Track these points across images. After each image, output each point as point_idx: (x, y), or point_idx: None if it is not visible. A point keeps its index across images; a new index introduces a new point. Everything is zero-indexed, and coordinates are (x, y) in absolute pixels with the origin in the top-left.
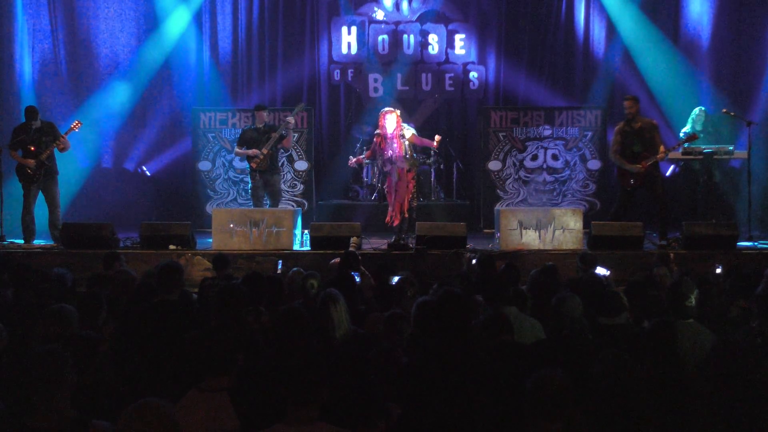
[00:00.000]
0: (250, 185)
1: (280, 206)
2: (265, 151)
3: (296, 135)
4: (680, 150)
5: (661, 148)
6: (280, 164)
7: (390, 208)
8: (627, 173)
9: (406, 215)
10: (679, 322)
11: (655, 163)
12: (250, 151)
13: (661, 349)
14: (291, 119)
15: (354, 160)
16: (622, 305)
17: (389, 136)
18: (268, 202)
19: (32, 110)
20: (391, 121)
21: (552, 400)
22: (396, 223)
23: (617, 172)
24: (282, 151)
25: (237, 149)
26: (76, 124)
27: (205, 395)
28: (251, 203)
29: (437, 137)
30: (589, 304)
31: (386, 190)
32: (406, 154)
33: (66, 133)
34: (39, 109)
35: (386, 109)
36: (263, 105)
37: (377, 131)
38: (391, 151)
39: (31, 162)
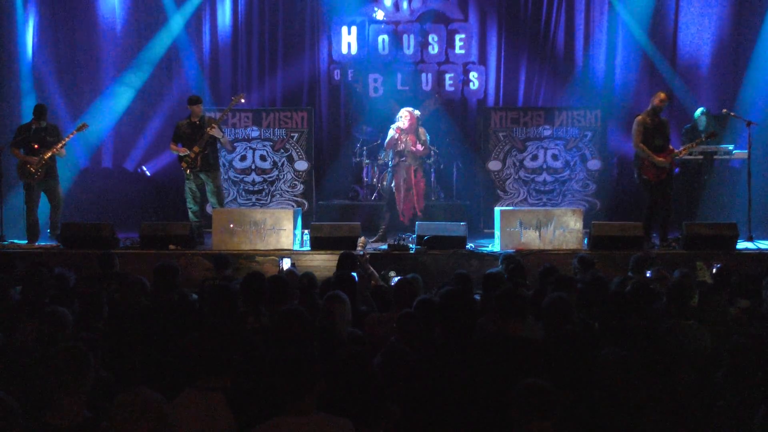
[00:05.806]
0: (186, 187)
1: (279, 206)
2: (196, 149)
3: (296, 135)
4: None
5: (684, 147)
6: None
7: (400, 206)
8: (651, 166)
9: (419, 214)
10: (681, 324)
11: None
12: (181, 150)
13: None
14: (215, 127)
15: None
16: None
17: (406, 129)
18: (212, 200)
19: (42, 109)
20: (406, 116)
21: (537, 404)
22: (407, 222)
23: (641, 165)
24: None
25: (172, 145)
26: (83, 126)
27: (200, 394)
28: (251, 203)
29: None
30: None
31: (394, 188)
32: (415, 148)
33: (71, 135)
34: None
35: (408, 107)
36: (198, 98)
37: (398, 125)
38: (403, 145)
39: (34, 159)
